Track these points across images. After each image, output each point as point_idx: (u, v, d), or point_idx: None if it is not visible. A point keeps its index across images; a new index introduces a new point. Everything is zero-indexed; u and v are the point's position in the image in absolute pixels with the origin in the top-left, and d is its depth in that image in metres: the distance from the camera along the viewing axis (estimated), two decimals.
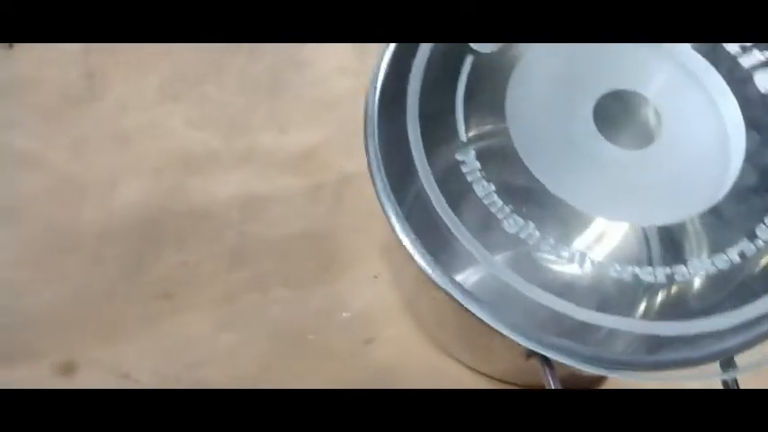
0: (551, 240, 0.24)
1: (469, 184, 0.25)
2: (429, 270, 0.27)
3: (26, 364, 0.35)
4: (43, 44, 0.45)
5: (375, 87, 0.27)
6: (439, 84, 0.27)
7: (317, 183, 0.42)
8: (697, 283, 0.24)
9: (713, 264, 0.24)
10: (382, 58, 0.28)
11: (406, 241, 0.25)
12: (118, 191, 0.41)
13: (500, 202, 0.25)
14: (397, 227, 0.26)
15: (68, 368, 0.35)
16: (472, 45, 0.28)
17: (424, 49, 0.28)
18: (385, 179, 0.26)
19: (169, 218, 0.40)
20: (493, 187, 0.25)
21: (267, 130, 0.43)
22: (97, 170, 0.41)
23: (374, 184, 0.26)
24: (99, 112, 0.43)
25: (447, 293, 0.25)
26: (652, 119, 0.27)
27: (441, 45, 0.28)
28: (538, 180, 0.25)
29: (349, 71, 0.45)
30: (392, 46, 0.28)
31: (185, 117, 0.43)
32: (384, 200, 0.25)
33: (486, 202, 0.25)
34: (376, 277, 0.39)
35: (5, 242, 0.39)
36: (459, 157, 0.26)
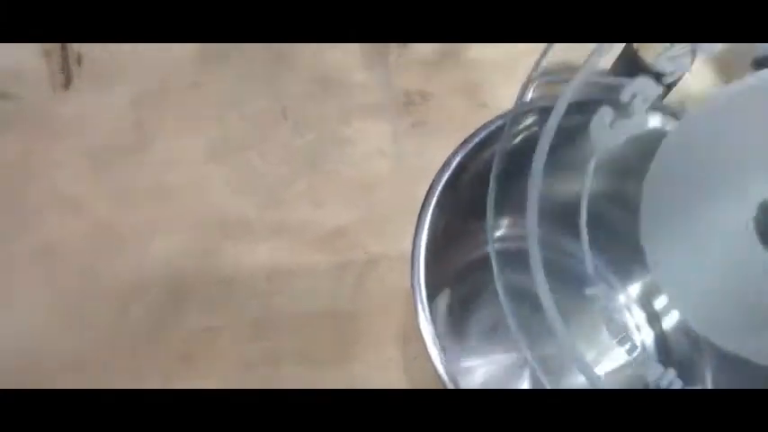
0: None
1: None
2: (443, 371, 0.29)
3: None
4: (97, 88, 0.47)
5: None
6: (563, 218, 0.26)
7: (343, 262, 0.43)
8: None
9: None
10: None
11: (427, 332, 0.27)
12: (152, 245, 0.42)
13: (631, 343, 0.23)
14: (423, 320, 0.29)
15: None
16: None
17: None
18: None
19: (198, 279, 0.41)
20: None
21: (302, 204, 0.45)
22: (135, 222, 0.43)
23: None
24: (144, 163, 0.45)
25: None
26: None
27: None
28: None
29: (388, 154, 0.47)
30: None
31: (226, 180, 0.45)
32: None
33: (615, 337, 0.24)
34: (390, 360, 0.41)
35: (38, 282, 0.40)
36: (588, 291, 0.25)
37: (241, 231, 0.43)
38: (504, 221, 0.41)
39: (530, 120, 0.35)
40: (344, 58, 0.51)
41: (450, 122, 0.48)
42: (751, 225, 0.21)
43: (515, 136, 0.34)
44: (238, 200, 0.44)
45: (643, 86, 0.23)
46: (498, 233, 0.42)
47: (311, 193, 0.45)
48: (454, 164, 0.32)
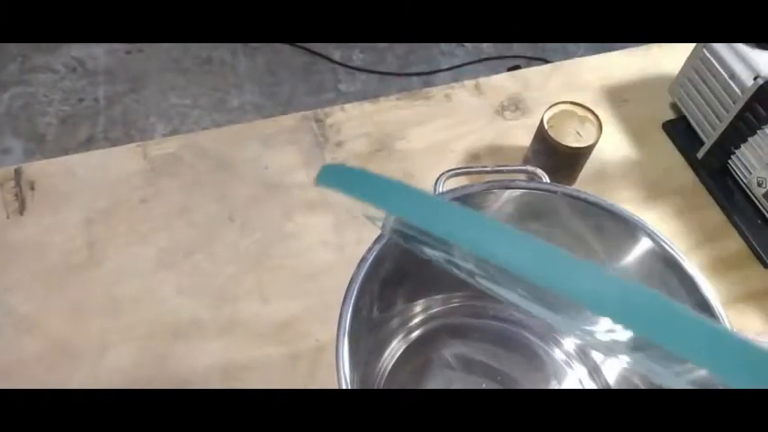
0: None
1: None
2: None
3: None
4: (51, 213, 0.49)
5: None
6: None
7: (294, 352, 0.45)
8: None
9: None
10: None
11: None
12: (107, 358, 0.43)
13: None
14: None
15: None
16: None
17: None
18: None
19: (153, 385, 0.42)
20: None
21: (251, 300, 0.47)
22: (89, 336, 0.44)
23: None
24: (96, 279, 0.47)
25: None
26: None
27: None
28: None
29: (330, 245, 0.50)
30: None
31: (177, 285, 0.47)
32: None
33: None
34: None
35: None
36: None
37: (193, 333, 0.45)
38: (421, 304, 0.44)
39: None
40: (285, 159, 0.54)
41: None
42: None
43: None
44: (189, 303, 0.46)
45: None
46: (429, 313, 0.44)
47: (259, 288, 0.47)
48: (371, 258, 0.34)
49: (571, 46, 1.40)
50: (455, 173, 0.37)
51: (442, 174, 0.37)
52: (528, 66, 1.38)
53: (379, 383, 0.42)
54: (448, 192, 0.35)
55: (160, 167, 0.53)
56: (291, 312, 0.47)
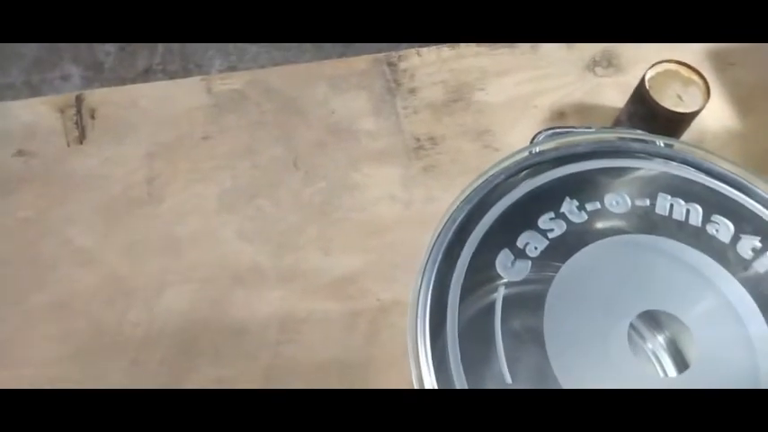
0: None
1: None
2: None
3: None
4: (111, 142, 0.48)
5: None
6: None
7: (354, 310, 0.43)
8: None
9: None
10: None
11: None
12: (164, 297, 0.42)
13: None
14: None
15: None
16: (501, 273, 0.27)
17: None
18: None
19: (210, 329, 0.41)
20: None
21: (313, 251, 0.45)
22: (146, 273, 0.43)
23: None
24: (156, 216, 0.45)
25: None
26: (686, 344, 0.27)
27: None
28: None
29: (398, 200, 0.47)
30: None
31: (238, 229, 0.45)
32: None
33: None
34: None
35: (52, 337, 0.40)
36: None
37: (253, 279, 0.43)
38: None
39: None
40: (353, 104, 0.51)
41: (460, 166, 0.48)
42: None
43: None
44: (250, 248, 0.44)
45: (531, 238, 0.28)
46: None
47: (322, 239, 0.45)
48: (460, 218, 0.31)
49: None
50: (555, 132, 0.33)
51: (540, 132, 0.33)
52: None
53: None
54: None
55: (224, 104, 0.50)
56: (353, 267, 0.44)
